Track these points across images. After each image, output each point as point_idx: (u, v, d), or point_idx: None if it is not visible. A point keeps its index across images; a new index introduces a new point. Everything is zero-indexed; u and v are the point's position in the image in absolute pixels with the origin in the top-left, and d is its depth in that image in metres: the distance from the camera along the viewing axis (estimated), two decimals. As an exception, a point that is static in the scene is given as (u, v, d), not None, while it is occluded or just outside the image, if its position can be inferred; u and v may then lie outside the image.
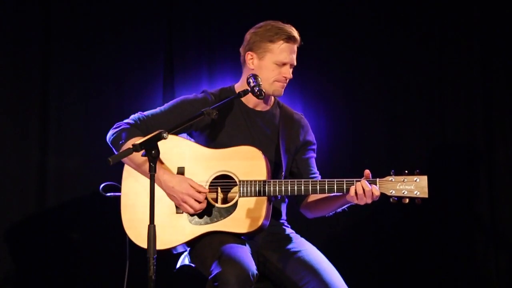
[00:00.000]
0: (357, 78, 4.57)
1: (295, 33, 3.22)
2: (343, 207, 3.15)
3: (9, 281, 4.20)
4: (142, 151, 2.74)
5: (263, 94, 3.10)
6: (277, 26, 3.22)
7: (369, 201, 2.97)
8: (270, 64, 3.21)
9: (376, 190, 2.95)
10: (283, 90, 3.25)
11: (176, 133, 3.17)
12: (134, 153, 2.81)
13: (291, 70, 3.24)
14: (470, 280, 4.45)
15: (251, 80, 3.12)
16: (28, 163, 4.26)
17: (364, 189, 2.94)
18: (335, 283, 2.98)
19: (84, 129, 4.33)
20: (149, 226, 2.65)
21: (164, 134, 2.74)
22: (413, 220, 4.46)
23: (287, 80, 3.24)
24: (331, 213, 3.22)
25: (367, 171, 2.98)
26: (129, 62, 4.42)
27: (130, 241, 3.14)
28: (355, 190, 2.95)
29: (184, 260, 3.25)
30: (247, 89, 3.12)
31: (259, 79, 3.13)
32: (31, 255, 4.23)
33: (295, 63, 3.25)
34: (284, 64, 3.21)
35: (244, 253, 2.96)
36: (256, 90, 3.09)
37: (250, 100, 3.26)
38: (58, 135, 4.32)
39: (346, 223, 4.43)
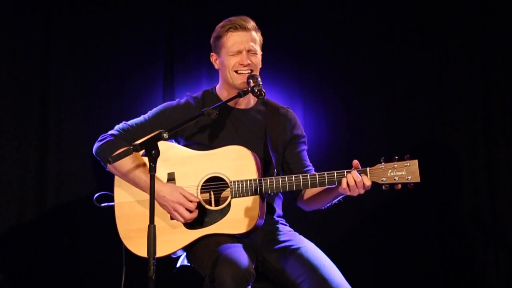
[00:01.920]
0: (357, 78, 4.56)
1: (243, 20, 3.23)
2: (338, 199, 3.15)
3: (8, 282, 4.20)
4: (142, 151, 2.74)
5: (263, 94, 3.11)
6: (226, 20, 3.27)
7: (362, 191, 2.96)
8: (226, 57, 3.23)
9: (367, 179, 2.94)
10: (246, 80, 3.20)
11: (173, 134, 3.17)
12: (120, 162, 2.82)
13: (252, 57, 3.21)
14: (470, 280, 4.45)
15: (251, 80, 3.14)
16: (28, 165, 4.25)
17: (355, 180, 2.93)
18: (334, 278, 2.98)
19: (84, 131, 4.32)
20: (149, 226, 2.65)
21: (164, 134, 2.75)
22: (413, 220, 4.46)
23: (248, 67, 3.20)
24: (327, 205, 3.22)
25: (355, 161, 2.97)
26: (129, 63, 4.41)
27: (126, 248, 3.16)
28: (347, 182, 2.94)
29: (183, 260, 3.25)
30: (247, 89, 3.13)
31: (259, 79, 3.15)
32: (29, 257, 4.22)
33: (253, 49, 3.23)
34: (239, 52, 3.21)
35: (241, 253, 2.97)
36: (256, 90, 3.11)
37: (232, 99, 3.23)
38: (58, 137, 4.31)
39: (346, 221, 4.42)
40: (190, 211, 3.06)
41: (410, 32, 4.57)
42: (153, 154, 2.73)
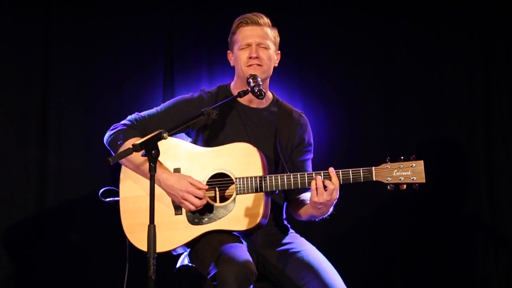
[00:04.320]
0: (357, 78, 4.57)
1: (254, 16, 3.25)
2: (314, 218, 3.15)
3: (9, 282, 4.20)
4: (142, 151, 2.74)
5: (263, 94, 3.10)
6: (239, 17, 3.29)
7: (335, 195, 2.94)
8: (237, 52, 3.25)
9: (334, 182, 2.93)
10: (259, 72, 3.20)
11: (174, 134, 3.16)
12: (133, 153, 2.81)
13: (262, 51, 3.22)
14: (470, 280, 4.45)
15: (251, 80, 3.14)
16: (28, 164, 4.26)
17: (323, 183, 2.93)
18: (335, 284, 2.98)
19: (84, 129, 4.33)
20: (149, 226, 2.65)
21: (164, 134, 2.74)
22: (413, 221, 4.46)
23: (256, 60, 3.20)
24: (306, 219, 3.22)
25: (330, 168, 2.97)
26: (129, 63, 4.41)
27: (130, 244, 3.15)
28: (316, 184, 2.94)
29: (183, 260, 3.25)
30: (247, 89, 3.13)
31: (259, 79, 3.14)
32: (31, 255, 4.22)
33: (263, 42, 3.23)
34: (248, 45, 3.22)
35: (243, 252, 2.96)
36: (256, 90, 3.10)
37: (245, 98, 3.23)
38: (58, 136, 4.31)
39: (346, 223, 4.42)
40: (200, 198, 3.05)
41: (410, 31, 4.57)
42: (153, 154, 2.72)
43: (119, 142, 3.14)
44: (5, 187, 4.22)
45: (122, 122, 3.23)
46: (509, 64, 4.52)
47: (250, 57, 3.21)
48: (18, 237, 4.22)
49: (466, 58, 4.55)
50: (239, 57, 3.23)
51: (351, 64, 4.57)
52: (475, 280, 4.45)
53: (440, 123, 4.54)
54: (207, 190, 3.10)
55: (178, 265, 3.27)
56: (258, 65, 3.21)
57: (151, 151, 2.72)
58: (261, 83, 3.13)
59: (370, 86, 4.57)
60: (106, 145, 3.21)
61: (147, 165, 3.05)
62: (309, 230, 3.52)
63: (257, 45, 3.22)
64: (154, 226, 2.65)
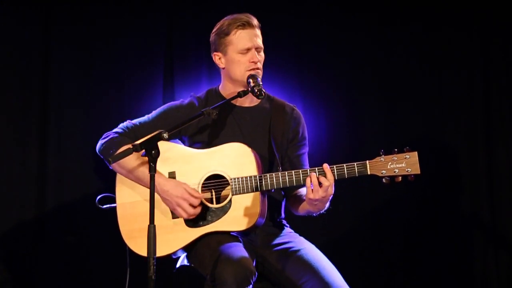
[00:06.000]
0: (356, 78, 4.57)
1: (248, 18, 3.23)
2: (312, 214, 3.15)
3: (7, 283, 4.19)
4: (142, 151, 2.74)
5: (263, 94, 3.10)
6: (230, 18, 3.26)
7: (330, 191, 2.94)
8: (235, 55, 3.22)
9: (329, 179, 2.93)
10: (259, 75, 3.21)
11: (173, 134, 3.17)
12: (124, 159, 2.83)
13: (259, 54, 3.23)
14: (470, 281, 4.45)
15: (251, 80, 3.14)
16: (28, 164, 4.25)
17: (318, 180, 2.93)
18: (335, 281, 2.98)
19: (84, 130, 4.32)
20: (149, 226, 2.65)
21: (164, 134, 2.75)
22: (413, 220, 4.46)
23: (258, 64, 3.21)
24: (304, 214, 3.23)
25: (324, 165, 2.97)
26: (129, 63, 4.41)
27: (130, 249, 3.15)
28: (311, 181, 2.94)
29: (183, 260, 3.25)
30: (247, 89, 3.13)
31: (259, 79, 3.15)
32: (30, 258, 4.21)
33: (261, 46, 3.24)
34: (248, 49, 3.21)
35: (242, 252, 2.96)
36: (256, 90, 3.11)
37: (237, 98, 3.21)
38: (58, 136, 4.31)
39: (346, 222, 4.43)
40: (194, 207, 3.05)
41: (410, 30, 4.57)
42: (153, 154, 2.73)
43: (111, 151, 3.14)
44: (4, 188, 4.22)
45: (114, 130, 3.23)
46: (509, 64, 4.51)
47: (253, 62, 3.19)
48: (18, 238, 4.22)
49: (466, 58, 4.55)
50: (238, 62, 3.21)
51: (351, 63, 4.57)
52: (475, 280, 4.45)
53: (440, 123, 4.54)
54: (203, 191, 3.10)
55: (178, 265, 3.27)
56: (258, 69, 3.22)
57: (151, 151, 2.72)
58: (261, 83, 3.13)
59: (370, 86, 4.57)
60: (99, 154, 3.21)
61: (139, 170, 3.10)
62: (308, 229, 3.51)
63: (255, 49, 3.22)
64: (154, 226, 2.65)
